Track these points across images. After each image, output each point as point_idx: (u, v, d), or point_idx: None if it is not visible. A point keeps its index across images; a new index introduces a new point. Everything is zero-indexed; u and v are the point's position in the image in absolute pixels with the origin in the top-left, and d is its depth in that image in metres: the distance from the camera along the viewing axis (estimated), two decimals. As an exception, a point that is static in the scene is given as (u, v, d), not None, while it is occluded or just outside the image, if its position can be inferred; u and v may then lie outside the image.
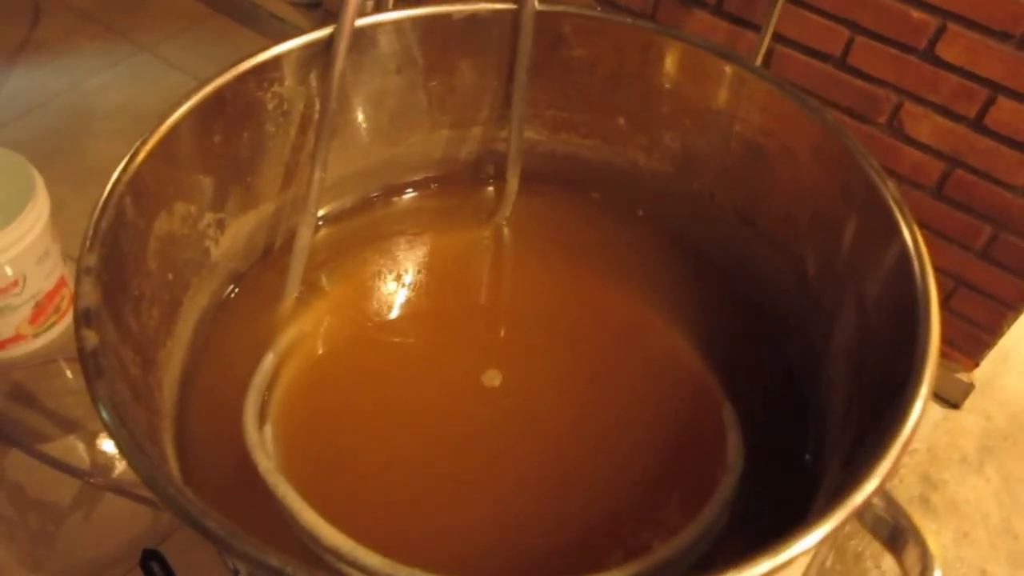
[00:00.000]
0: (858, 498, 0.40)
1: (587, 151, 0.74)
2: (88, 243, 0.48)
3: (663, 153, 0.71)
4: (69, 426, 0.96)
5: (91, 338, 0.44)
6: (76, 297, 0.45)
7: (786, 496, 0.56)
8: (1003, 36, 0.80)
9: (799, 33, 0.91)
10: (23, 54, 1.48)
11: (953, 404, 1.11)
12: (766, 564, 0.37)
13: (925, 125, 0.89)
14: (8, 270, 0.93)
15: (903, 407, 0.42)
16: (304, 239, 0.67)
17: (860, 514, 0.42)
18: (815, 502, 0.50)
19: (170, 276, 0.58)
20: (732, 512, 0.56)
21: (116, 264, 0.50)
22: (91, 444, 0.95)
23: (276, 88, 0.62)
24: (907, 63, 0.86)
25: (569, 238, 0.75)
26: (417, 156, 0.74)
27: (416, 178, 0.76)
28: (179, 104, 0.56)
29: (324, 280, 0.70)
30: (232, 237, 0.65)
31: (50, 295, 1.00)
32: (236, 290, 0.67)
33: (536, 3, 0.66)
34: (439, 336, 0.68)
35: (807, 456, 0.59)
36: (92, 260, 0.47)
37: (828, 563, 0.97)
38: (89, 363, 0.43)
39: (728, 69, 0.64)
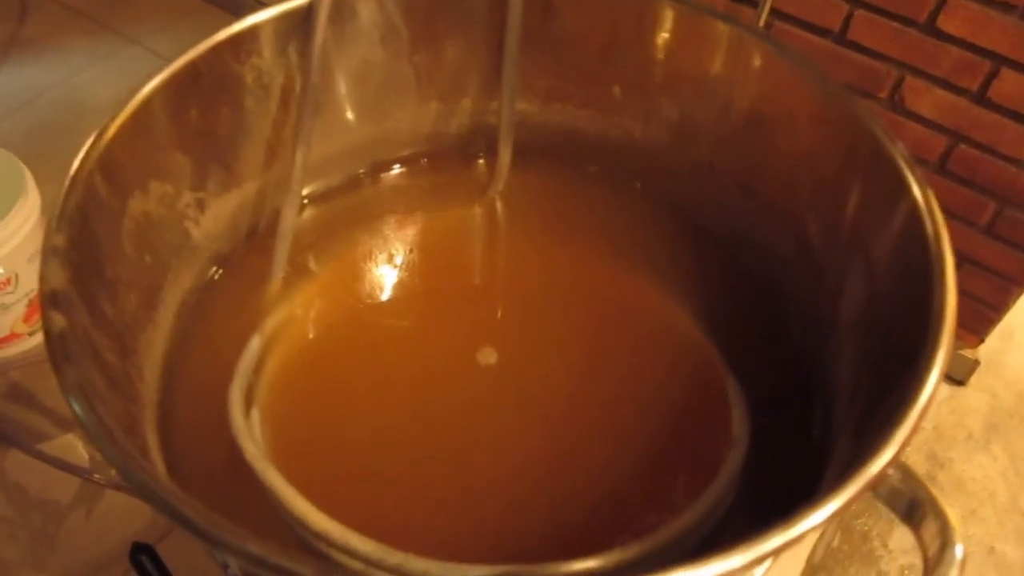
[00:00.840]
0: (874, 468, 0.38)
1: (582, 122, 0.72)
2: (55, 223, 0.46)
3: (661, 122, 0.69)
4: (68, 424, 0.96)
5: (57, 321, 0.42)
6: (41, 279, 0.43)
7: (794, 472, 0.54)
8: (1006, 7, 0.78)
9: (797, 8, 0.89)
10: (11, 51, 1.46)
11: (959, 382, 1.09)
12: (778, 538, 0.35)
13: (927, 100, 0.87)
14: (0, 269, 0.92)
15: (920, 369, 0.40)
16: (289, 219, 0.64)
17: (876, 486, 0.40)
18: (824, 478, 0.48)
19: (148, 259, 0.56)
20: (738, 490, 0.54)
21: (87, 245, 0.48)
22: (90, 442, 0.94)
23: (254, 60, 0.59)
24: (908, 36, 0.84)
25: (564, 212, 0.72)
26: (405, 131, 0.71)
27: (404, 154, 0.73)
28: (151, 77, 0.53)
29: (312, 262, 0.68)
30: (214, 218, 0.62)
31: (44, 293, 0.99)
32: (220, 272, 0.65)
33: (524, -33, 0.63)
34: (432, 316, 0.66)
35: (815, 431, 0.57)
36: (59, 240, 0.45)
37: (835, 542, 0.96)
38: (56, 347, 0.41)
39: (726, 31, 0.62)
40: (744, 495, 0.55)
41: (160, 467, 0.50)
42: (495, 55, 0.68)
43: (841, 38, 0.89)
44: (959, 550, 0.41)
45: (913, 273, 0.47)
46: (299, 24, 0.60)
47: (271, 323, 0.63)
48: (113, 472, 0.88)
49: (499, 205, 0.73)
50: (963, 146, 0.89)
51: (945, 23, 0.82)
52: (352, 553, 0.49)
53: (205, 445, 0.57)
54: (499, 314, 0.67)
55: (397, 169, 0.74)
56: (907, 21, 0.84)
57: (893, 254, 0.51)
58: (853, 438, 0.48)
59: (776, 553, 0.36)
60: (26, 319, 1.00)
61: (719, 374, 0.60)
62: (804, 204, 0.62)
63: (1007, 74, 0.82)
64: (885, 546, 0.96)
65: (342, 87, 0.66)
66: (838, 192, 0.57)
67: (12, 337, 1.00)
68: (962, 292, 1.02)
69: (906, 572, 0.94)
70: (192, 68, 0.56)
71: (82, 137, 0.49)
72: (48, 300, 0.42)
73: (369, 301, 0.66)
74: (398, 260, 0.68)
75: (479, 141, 0.74)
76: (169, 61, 0.55)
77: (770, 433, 0.57)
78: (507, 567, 0.46)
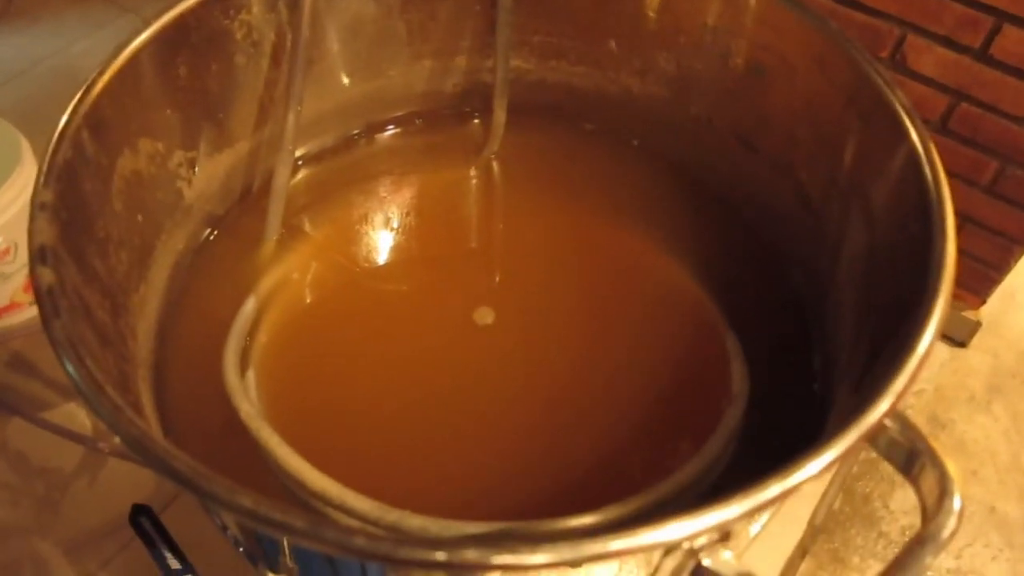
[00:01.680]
0: (871, 417, 0.37)
1: (578, 79, 0.70)
2: (43, 178, 0.45)
3: (658, 77, 0.67)
4: (70, 393, 0.95)
5: (47, 276, 0.41)
6: (30, 234, 0.42)
7: (795, 426, 0.54)
8: (1009, -39, 0.76)
9: (795, -34, 0.87)
10: (5, 21, 1.45)
11: (960, 343, 1.09)
12: (776, 487, 0.34)
13: (929, 58, 0.86)
14: (-1, 238, 0.92)
15: (920, 316, 0.39)
16: (282, 179, 0.63)
17: (874, 437, 0.39)
18: (824, 431, 0.48)
19: (140, 218, 0.55)
20: (739, 444, 0.54)
21: (76, 202, 0.47)
22: (93, 409, 0.95)
23: (244, 16, 0.58)
24: (909, -7, 0.83)
25: (561, 172, 0.71)
26: (399, 89, 0.70)
27: (399, 113, 0.72)
28: (138, 32, 0.52)
29: (306, 223, 0.67)
30: (206, 178, 0.61)
31: (44, 262, 0.99)
32: (214, 234, 0.64)
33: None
34: (428, 277, 0.65)
35: (815, 385, 0.57)
36: (48, 196, 0.44)
37: (836, 504, 0.96)
38: (45, 302, 0.40)
39: (723, -21, 0.60)
40: (746, 452, 0.54)
41: (155, 426, 0.50)
42: (489, 10, 0.67)
43: (841, -4, 0.87)
44: (957, 500, 0.40)
45: (912, 220, 0.46)
46: (288, -22, 0.59)
47: (266, 285, 0.62)
48: (116, 439, 0.88)
49: (495, 165, 0.72)
50: (965, 105, 0.87)
51: (947, -21, 0.80)
52: (349, 511, 0.49)
53: (200, 405, 0.56)
54: (495, 275, 0.66)
55: (391, 130, 0.73)
56: (908, -23, 0.82)
57: (892, 201, 0.50)
58: (853, 391, 0.47)
59: (775, 503, 0.36)
60: (27, 288, 0.99)
61: (719, 331, 0.60)
62: (803, 156, 0.61)
63: (1009, 30, 0.80)
64: (887, 507, 0.96)
65: (334, 44, 0.65)
66: (837, 141, 0.56)
67: (13, 307, 0.99)
68: (963, 253, 1.00)
69: (907, 532, 0.95)
70: (180, 23, 0.55)
71: (78, 107, 0.49)
72: (37, 255, 0.42)
73: (364, 263, 0.65)
74: (393, 222, 0.68)
75: (474, 100, 0.73)
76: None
77: (771, 389, 0.57)
78: (503, 524, 0.46)
